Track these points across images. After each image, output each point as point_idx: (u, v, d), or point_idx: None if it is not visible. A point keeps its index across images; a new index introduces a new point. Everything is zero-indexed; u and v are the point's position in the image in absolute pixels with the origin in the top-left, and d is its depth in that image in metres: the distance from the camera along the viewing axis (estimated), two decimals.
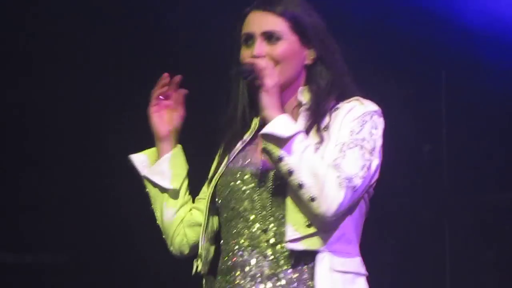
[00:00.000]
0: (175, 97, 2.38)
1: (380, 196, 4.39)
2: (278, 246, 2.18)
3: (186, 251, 2.37)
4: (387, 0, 4.34)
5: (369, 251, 4.32)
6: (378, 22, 4.32)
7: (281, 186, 2.18)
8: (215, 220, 2.30)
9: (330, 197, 2.09)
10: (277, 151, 2.11)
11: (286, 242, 2.14)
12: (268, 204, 2.20)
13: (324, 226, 2.14)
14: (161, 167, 2.36)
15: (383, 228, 4.38)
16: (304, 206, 2.12)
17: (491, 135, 4.36)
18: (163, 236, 2.39)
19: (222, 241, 2.27)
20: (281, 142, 2.11)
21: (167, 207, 2.37)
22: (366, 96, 2.29)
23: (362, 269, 2.23)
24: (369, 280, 2.25)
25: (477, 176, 4.41)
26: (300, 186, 2.09)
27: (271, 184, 2.21)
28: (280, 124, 2.13)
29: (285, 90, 2.26)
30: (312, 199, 2.09)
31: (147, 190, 2.39)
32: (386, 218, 4.43)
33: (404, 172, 4.45)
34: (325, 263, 2.14)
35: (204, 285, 2.32)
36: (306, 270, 2.18)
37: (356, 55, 4.40)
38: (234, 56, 2.29)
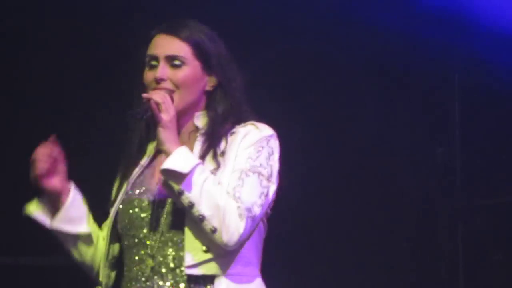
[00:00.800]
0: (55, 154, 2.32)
1: (393, 198, 4.50)
2: (177, 271, 2.23)
3: None
4: (399, 4, 4.36)
5: (385, 252, 4.41)
6: (391, 25, 4.34)
7: (178, 211, 2.22)
8: (115, 247, 2.33)
9: (232, 228, 2.15)
10: (177, 186, 2.15)
11: (185, 267, 2.19)
12: (165, 230, 2.24)
13: (224, 252, 2.20)
14: (68, 213, 2.33)
15: (397, 230, 4.43)
16: (205, 236, 2.18)
17: (505, 137, 4.36)
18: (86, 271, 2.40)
19: (125, 267, 2.30)
20: (181, 177, 2.15)
21: (84, 248, 2.36)
22: (261, 120, 2.33)
23: None
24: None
25: (491, 178, 4.40)
26: (201, 218, 2.15)
27: (168, 210, 2.25)
28: (179, 159, 2.16)
29: (183, 115, 2.30)
30: (214, 231, 2.15)
31: (57, 237, 2.36)
32: (399, 221, 4.49)
33: (417, 175, 4.48)
34: (222, 287, 2.21)
35: None
36: None
37: (367, 58, 4.54)
38: (137, 78, 2.34)
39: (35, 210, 2.34)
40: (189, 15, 2.49)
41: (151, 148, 2.37)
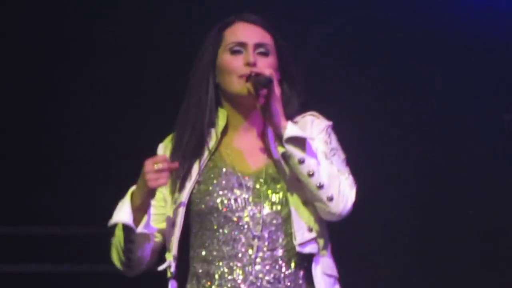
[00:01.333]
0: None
1: (461, 167, 4.44)
2: (288, 248, 2.33)
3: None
4: None
5: (452, 222, 4.35)
6: None
7: (282, 190, 2.35)
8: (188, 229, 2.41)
9: (346, 196, 2.29)
10: (299, 153, 2.25)
11: (296, 246, 2.30)
12: (264, 214, 2.34)
13: (322, 232, 2.34)
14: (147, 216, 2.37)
15: (463, 201, 4.40)
16: (321, 205, 2.29)
17: None
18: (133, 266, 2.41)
19: (209, 247, 2.35)
20: (304, 144, 2.26)
21: (147, 243, 2.38)
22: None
23: (336, 272, 2.40)
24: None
25: None
26: (320, 186, 2.25)
27: (271, 188, 2.36)
28: (297, 128, 2.28)
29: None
30: (331, 199, 2.26)
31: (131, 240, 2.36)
32: (466, 191, 4.45)
33: (484, 142, 4.45)
34: (319, 267, 2.32)
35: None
36: (302, 273, 2.35)
37: (437, 26, 4.49)
38: (209, 60, 2.39)
39: (125, 218, 2.32)
40: None
41: (215, 134, 2.41)
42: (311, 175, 2.25)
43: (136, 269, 2.40)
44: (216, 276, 2.33)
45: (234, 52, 2.36)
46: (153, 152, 2.53)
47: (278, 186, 2.36)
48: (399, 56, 4.43)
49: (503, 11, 4.28)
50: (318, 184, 2.26)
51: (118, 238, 2.34)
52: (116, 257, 2.38)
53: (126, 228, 2.30)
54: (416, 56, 4.46)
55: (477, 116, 4.42)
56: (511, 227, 4.28)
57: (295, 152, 2.26)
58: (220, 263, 2.33)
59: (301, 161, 2.25)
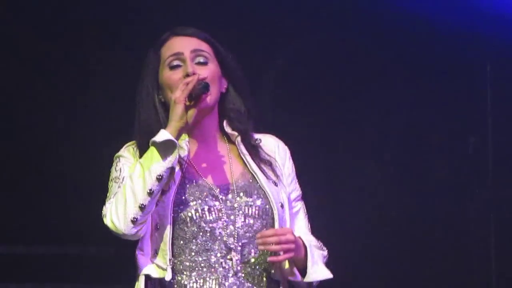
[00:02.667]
0: None
1: (426, 189, 4.58)
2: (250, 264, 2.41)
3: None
4: None
5: (416, 239, 4.49)
6: (423, 16, 4.48)
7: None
8: None
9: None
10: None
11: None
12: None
13: None
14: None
15: (429, 218, 4.55)
16: None
17: None
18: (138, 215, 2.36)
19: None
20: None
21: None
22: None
23: None
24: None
25: None
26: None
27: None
28: (322, 273, 2.46)
29: (207, 115, 2.40)
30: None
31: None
32: (431, 212, 4.57)
33: (449, 164, 4.58)
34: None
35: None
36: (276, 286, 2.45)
37: (400, 48, 4.67)
38: (151, 80, 2.41)
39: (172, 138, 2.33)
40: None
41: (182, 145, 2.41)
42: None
43: (141, 225, 2.35)
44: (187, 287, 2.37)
45: (172, 67, 2.38)
46: None
47: (250, 200, 2.40)
48: (363, 78, 4.60)
49: (466, 34, 4.44)
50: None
51: (146, 170, 2.31)
52: (122, 210, 2.33)
53: (171, 150, 2.30)
54: (380, 79, 4.62)
55: (442, 137, 4.58)
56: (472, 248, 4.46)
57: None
58: (192, 274, 2.36)
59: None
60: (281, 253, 2.30)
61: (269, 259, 2.32)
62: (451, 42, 4.48)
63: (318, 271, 2.37)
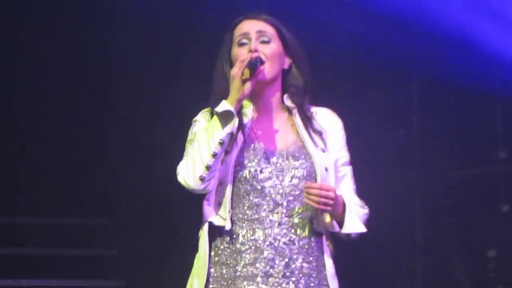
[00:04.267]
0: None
1: (365, 172, 5.39)
2: (293, 218, 2.72)
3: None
4: (365, 13, 5.25)
5: None
6: (358, 30, 5.27)
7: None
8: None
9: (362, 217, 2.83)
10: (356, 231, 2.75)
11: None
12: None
13: None
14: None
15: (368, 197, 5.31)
16: None
17: (454, 123, 5.36)
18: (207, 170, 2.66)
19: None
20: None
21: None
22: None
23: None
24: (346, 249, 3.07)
25: (442, 156, 5.39)
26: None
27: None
28: (355, 225, 2.75)
29: (269, 85, 2.73)
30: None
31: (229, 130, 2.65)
32: (368, 190, 5.35)
33: (382, 152, 5.41)
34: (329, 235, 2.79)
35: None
36: (314, 239, 2.74)
37: (342, 57, 5.49)
38: (225, 55, 2.77)
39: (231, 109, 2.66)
40: None
41: (249, 109, 2.74)
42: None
43: (208, 182, 2.66)
44: (240, 236, 2.71)
45: (241, 44, 2.73)
46: None
47: (297, 163, 2.71)
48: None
49: (396, 45, 5.26)
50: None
51: (211, 136, 2.63)
52: (192, 169, 2.66)
53: (229, 119, 2.63)
54: (326, 84, 5.04)
55: (379, 130, 5.39)
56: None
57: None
58: (244, 224, 2.69)
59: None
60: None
61: (306, 200, 2.61)
62: (385, 56, 5.25)
63: (353, 224, 2.68)
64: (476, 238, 5.28)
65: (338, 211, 2.66)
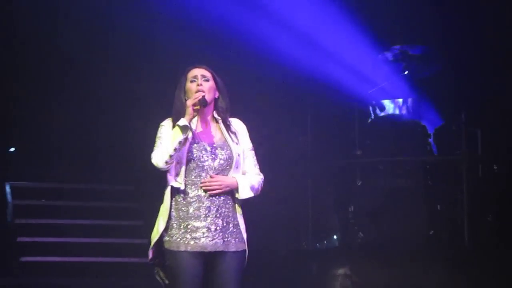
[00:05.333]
0: None
1: (276, 165, 7.90)
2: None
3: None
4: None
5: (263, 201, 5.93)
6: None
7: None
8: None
9: (259, 188, 4.30)
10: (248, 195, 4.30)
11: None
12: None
13: None
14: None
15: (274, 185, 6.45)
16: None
17: (331, 131, 8.03)
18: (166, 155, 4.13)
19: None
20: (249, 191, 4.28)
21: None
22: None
23: None
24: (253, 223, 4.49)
25: (324, 153, 7.88)
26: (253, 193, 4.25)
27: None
28: (245, 191, 4.27)
29: (207, 106, 4.22)
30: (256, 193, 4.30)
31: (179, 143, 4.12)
32: (277, 178, 7.25)
33: (287, 152, 7.96)
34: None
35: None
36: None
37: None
38: (181, 87, 4.24)
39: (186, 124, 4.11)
40: None
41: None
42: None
43: (170, 164, 4.12)
44: (190, 192, 4.18)
45: (192, 81, 4.27)
46: None
47: (223, 151, 4.21)
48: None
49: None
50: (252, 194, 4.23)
51: (173, 138, 4.09)
52: (160, 156, 4.11)
53: (185, 130, 4.07)
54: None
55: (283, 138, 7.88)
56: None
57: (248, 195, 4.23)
58: (192, 186, 4.16)
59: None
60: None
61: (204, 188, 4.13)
62: (285, 91, 7.86)
63: (245, 192, 4.20)
64: (343, 199, 7.64)
65: (233, 186, 4.20)
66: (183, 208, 4.13)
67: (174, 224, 4.13)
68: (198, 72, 4.26)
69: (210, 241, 4.10)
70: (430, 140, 7.52)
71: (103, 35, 8.14)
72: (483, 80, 7.95)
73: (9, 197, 7.70)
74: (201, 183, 4.11)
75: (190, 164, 4.16)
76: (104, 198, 8.07)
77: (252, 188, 4.20)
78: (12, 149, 8.44)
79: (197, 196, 4.15)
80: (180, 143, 4.10)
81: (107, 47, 8.14)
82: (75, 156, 8.15)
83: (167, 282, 4.16)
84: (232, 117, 4.35)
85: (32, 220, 7.64)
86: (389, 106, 7.64)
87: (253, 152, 4.32)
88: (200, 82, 4.20)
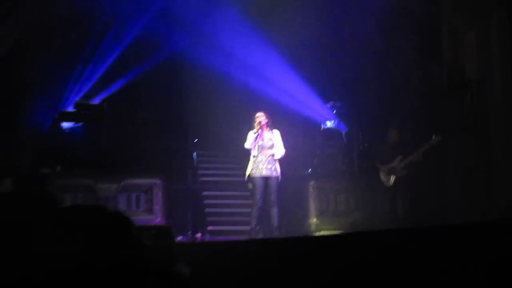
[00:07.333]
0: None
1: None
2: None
3: None
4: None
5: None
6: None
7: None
8: None
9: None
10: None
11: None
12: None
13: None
14: None
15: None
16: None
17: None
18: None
19: None
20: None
21: None
22: None
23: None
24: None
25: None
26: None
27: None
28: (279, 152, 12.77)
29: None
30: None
31: None
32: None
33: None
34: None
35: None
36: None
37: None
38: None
39: None
40: None
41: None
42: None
43: (251, 148, 12.62)
44: (258, 155, 12.36)
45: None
46: None
47: (269, 144, 12.09)
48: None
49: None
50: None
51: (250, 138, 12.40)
52: (247, 145, 12.45)
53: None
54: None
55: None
56: None
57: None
58: (258, 153, 12.47)
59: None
60: None
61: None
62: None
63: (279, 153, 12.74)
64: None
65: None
66: (255, 160, 11.82)
67: (252, 166, 11.91)
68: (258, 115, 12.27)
69: (265, 172, 11.86)
70: (343, 137, 14.98)
71: None
72: (368, 113, 15.18)
73: None
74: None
75: (256, 149, 11.64)
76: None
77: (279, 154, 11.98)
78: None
79: (256, 156, 11.96)
80: (254, 140, 11.70)
81: None
82: None
83: (250, 187, 12.02)
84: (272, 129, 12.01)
85: None
86: (330, 122, 15.23)
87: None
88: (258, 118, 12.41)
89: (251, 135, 12.28)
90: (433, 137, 12.71)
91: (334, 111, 15.66)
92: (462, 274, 5.46)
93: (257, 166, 12.30)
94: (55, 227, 2.66)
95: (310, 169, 14.97)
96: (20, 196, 2.96)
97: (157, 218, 12.63)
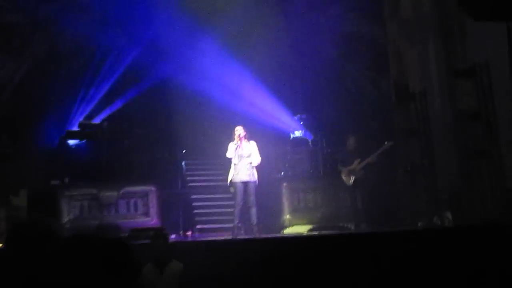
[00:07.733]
0: None
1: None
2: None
3: None
4: None
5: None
6: None
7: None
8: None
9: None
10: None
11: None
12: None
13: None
14: None
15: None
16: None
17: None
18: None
19: None
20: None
21: None
22: None
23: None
24: None
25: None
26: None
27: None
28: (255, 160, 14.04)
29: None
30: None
31: None
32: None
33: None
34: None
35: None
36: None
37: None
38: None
39: None
40: None
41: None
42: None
43: (231, 158, 13.86)
44: (238, 163, 13.26)
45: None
46: None
47: (246, 155, 13.16)
48: None
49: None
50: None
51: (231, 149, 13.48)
52: (227, 154, 13.72)
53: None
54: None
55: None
56: None
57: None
58: (239, 161, 13.47)
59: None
60: None
61: None
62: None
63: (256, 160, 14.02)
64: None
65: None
66: (236, 167, 13.01)
67: (233, 172, 13.03)
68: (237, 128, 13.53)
69: (244, 177, 12.83)
70: (310, 145, 17.71)
71: None
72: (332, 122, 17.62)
73: None
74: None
75: (236, 158, 12.75)
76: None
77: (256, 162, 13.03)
78: None
79: (237, 165, 13.09)
80: (233, 151, 12.95)
81: None
82: None
83: (232, 190, 12.99)
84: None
85: None
86: (298, 132, 16.97)
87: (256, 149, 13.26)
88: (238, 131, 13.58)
89: (231, 146, 13.26)
90: (386, 142, 14.30)
91: (301, 122, 17.17)
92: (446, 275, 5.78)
93: (238, 172, 13.26)
94: (57, 259, 2.58)
95: (282, 173, 16.13)
96: (22, 231, 2.96)
97: (153, 220, 13.85)
